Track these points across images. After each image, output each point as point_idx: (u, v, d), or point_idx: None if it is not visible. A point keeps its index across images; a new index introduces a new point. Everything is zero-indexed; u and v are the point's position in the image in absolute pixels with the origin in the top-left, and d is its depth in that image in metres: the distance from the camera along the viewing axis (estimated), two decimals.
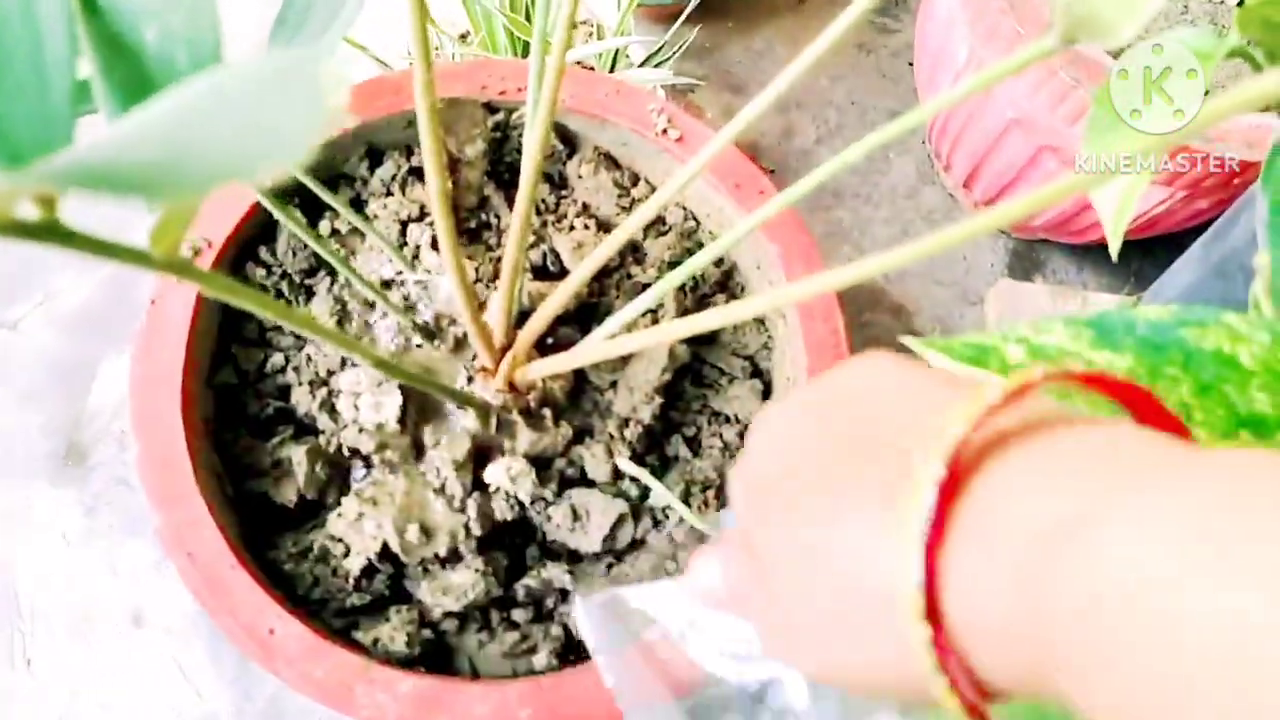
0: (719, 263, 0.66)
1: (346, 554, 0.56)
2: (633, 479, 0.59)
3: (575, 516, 0.57)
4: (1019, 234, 1.10)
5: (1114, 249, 0.39)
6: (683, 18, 0.89)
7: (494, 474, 0.57)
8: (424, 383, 0.54)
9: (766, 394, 0.63)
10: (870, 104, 1.15)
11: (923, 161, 1.13)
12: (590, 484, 0.59)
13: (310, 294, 0.62)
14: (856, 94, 1.15)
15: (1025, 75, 0.79)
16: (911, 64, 1.18)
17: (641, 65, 0.88)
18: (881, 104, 1.15)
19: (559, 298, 0.51)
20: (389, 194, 0.64)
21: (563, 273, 0.64)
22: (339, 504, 0.56)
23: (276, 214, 0.54)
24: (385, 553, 0.55)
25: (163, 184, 0.15)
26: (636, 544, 0.59)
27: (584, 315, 0.63)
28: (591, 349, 0.48)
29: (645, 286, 0.63)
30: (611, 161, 0.67)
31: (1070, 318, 0.35)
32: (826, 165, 0.42)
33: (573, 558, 0.59)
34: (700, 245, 0.67)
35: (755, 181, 0.63)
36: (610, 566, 0.58)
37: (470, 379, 0.58)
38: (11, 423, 0.85)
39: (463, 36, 0.88)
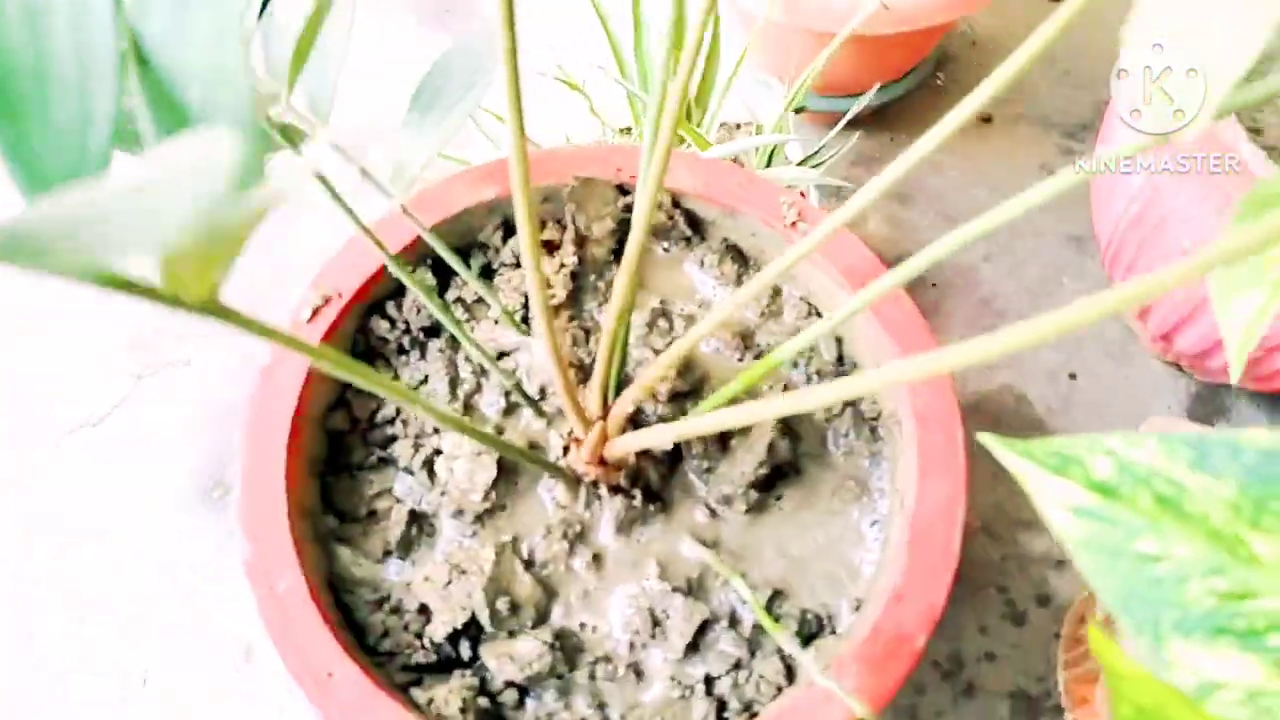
0: (839, 361, 0.64)
1: (422, 612, 0.56)
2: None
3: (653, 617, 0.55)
4: (1202, 376, 1.01)
5: (1234, 374, 0.34)
6: (842, 124, 0.88)
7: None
8: (518, 453, 0.54)
9: (869, 509, 0.59)
10: (1046, 226, 1.11)
11: (1099, 288, 1.06)
12: None
13: (428, 351, 0.64)
14: (1032, 214, 1.10)
15: (1201, 203, 0.74)
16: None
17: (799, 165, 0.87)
18: (1059, 228, 1.10)
19: (655, 369, 0.50)
20: (517, 265, 0.65)
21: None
22: (409, 558, 0.57)
23: (400, 276, 0.56)
24: (472, 621, 0.55)
25: (44, 256, 0.16)
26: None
27: (690, 397, 0.62)
28: (679, 424, 0.47)
29: None
30: (738, 253, 0.67)
31: (1166, 435, 0.30)
32: (939, 243, 0.40)
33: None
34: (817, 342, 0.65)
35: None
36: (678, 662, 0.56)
37: (566, 449, 0.58)
38: (168, 455, 0.91)
39: (625, 130, 0.91)
